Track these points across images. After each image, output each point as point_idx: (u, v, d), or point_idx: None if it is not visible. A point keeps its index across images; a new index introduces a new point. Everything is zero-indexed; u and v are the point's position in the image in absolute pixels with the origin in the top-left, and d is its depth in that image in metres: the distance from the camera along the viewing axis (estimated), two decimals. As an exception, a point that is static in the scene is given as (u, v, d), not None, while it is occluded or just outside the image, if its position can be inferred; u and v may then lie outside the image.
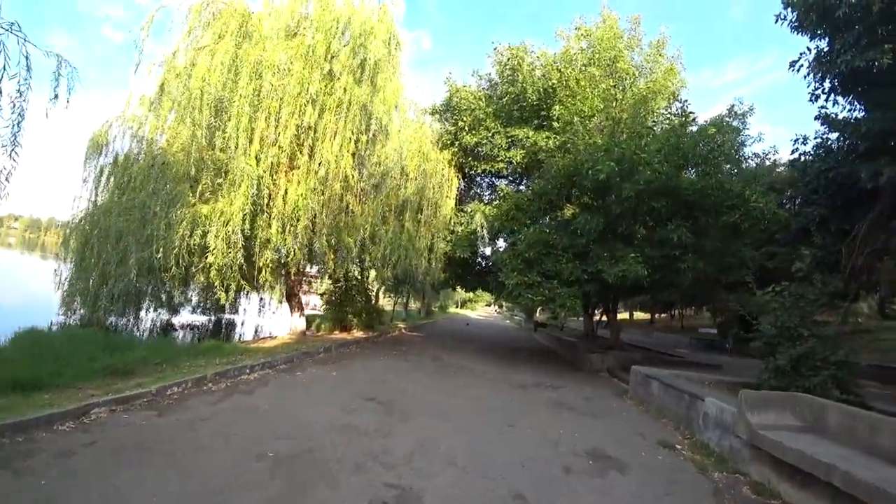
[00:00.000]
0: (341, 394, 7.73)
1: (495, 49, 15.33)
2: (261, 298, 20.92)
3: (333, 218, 11.66)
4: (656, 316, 45.60)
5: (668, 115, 10.55)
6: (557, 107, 12.77)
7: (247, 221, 9.54)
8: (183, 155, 10.27)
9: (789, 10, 10.81)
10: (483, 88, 15.85)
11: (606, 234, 11.54)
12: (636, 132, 11.01)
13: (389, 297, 28.91)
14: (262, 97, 10.02)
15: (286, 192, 10.42)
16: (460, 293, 71.58)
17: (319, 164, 10.74)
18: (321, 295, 19.53)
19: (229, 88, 9.81)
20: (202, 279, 10.05)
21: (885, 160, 10.92)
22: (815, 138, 13.42)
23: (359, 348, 14.00)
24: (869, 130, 10.92)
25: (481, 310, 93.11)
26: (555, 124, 12.95)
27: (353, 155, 11.55)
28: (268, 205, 10.36)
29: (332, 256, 11.98)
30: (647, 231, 11.81)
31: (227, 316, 21.22)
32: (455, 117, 14.68)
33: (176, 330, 18.94)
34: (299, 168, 10.65)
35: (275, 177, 10.47)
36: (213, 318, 20.59)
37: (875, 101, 11.09)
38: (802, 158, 13.72)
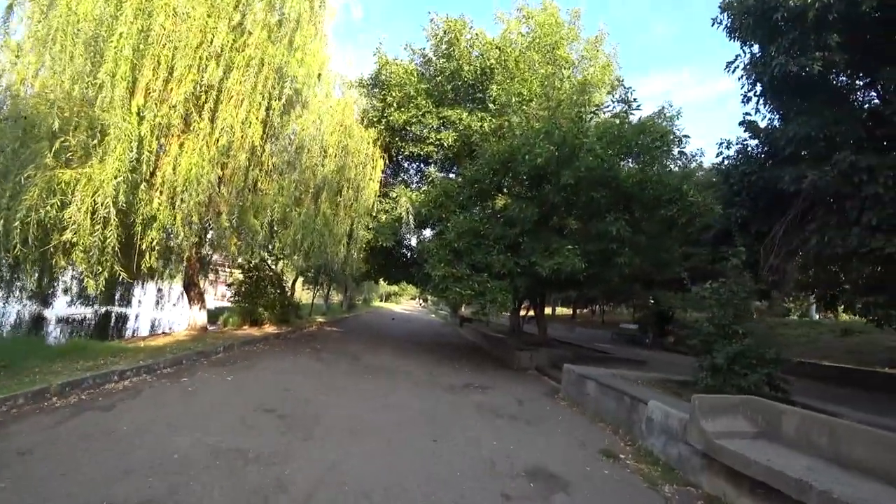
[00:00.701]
0: (234, 405, 6.33)
1: (431, 20, 14.17)
2: (159, 289, 18.58)
3: (237, 196, 10.06)
4: (577, 312, 46.71)
5: (610, 103, 9.99)
6: (494, 87, 11.87)
7: (122, 192, 7.76)
8: (46, 106, 8.29)
9: (725, 14, 10.96)
10: (416, 64, 14.63)
11: (541, 225, 10.84)
12: (577, 118, 10.31)
13: (308, 288, 27.07)
14: (150, 42, 8.27)
15: (177, 160, 8.72)
16: (385, 286, 70.21)
17: (221, 130, 9.13)
18: (229, 286, 17.56)
19: (107, 25, 8.00)
20: (63, 262, 8.13)
21: (806, 165, 11.18)
22: (737, 144, 13.85)
23: (267, 346, 12.43)
24: (795, 135, 11.02)
25: (406, 303, 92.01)
26: (490, 106, 12.06)
27: (264, 124, 10.00)
28: (153, 174, 8.62)
29: (236, 241, 10.36)
30: (582, 224, 11.24)
31: (117, 309, 18.65)
32: (383, 93, 13.38)
33: (48, 325, 16.35)
34: (196, 134, 8.97)
35: (164, 141, 8.77)
36: (99, 310, 17.99)
37: (801, 108, 11.31)
38: (726, 162, 14.08)
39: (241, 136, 9.49)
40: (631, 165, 10.78)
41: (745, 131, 12.95)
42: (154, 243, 8.78)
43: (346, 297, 37.76)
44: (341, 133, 10.87)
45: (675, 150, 9.78)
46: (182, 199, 8.64)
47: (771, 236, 12.91)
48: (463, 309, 49.50)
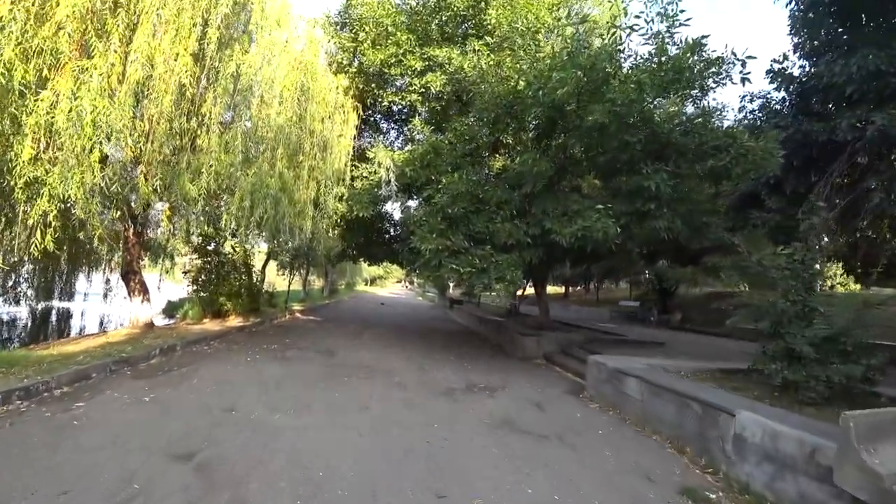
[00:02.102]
0: (129, 451, 4.12)
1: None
2: (107, 279, 16.09)
3: (170, 154, 7.76)
4: (569, 289, 44.96)
5: (644, 24, 7.70)
6: (492, 12, 9.53)
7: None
8: None
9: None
10: (393, -5, 12.02)
11: (556, 183, 8.70)
12: (609, 34, 7.98)
13: (282, 274, 24.70)
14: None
15: (71, 102, 6.36)
16: (369, 269, 67.87)
17: (135, 62, 6.80)
18: (185, 273, 15.20)
19: None
20: None
21: (866, 108, 9.40)
22: (760, 98, 12.12)
23: (223, 344, 10.21)
24: (860, 69, 9.12)
25: (392, 287, 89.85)
26: (488, 39, 9.77)
27: (196, 58, 7.65)
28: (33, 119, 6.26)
29: (168, 212, 8.07)
30: (605, 180, 9.13)
31: (60, 304, 16.11)
32: (355, 30, 10.93)
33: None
34: (97, 67, 6.59)
35: (46, 75, 6.38)
36: (37, 307, 15.44)
37: (867, 36, 9.45)
38: (749, 118, 12.39)
39: (166, 73, 7.16)
40: (670, 102, 8.61)
41: (770, 82, 11.16)
42: (48, 218, 6.47)
43: (327, 282, 35.39)
44: (302, 73, 8.50)
45: (738, 78, 7.65)
46: (78, 157, 6.31)
47: (812, 196, 11.14)
48: (451, 290, 47.62)
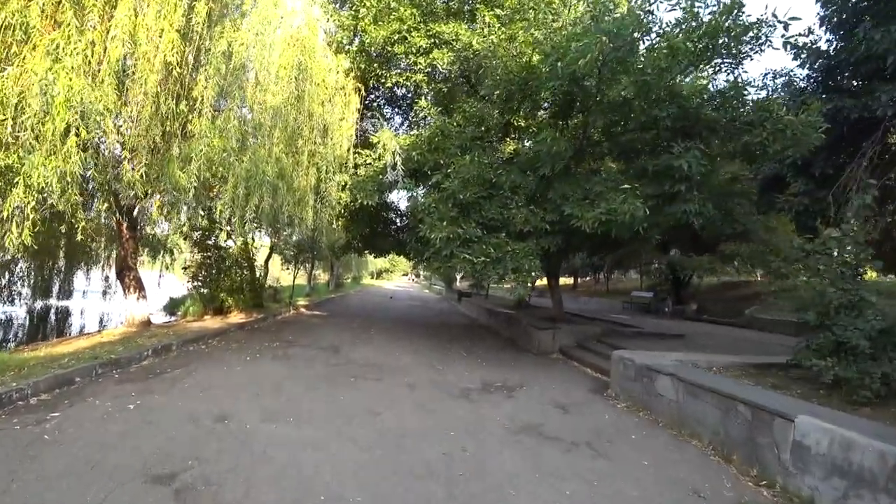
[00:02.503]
0: (99, 474, 3.56)
1: None
2: (106, 276, 15.60)
3: (159, 139, 7.17)
4: (578, 280, 44.23)
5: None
6: (505, -23, 8.81)
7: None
8: None
9: None
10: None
11: (574, 165, 8.05)
12: (629, 14, 7.24)
13: (287, 268, 24.17)
14: None
15: (44, 83, 5.78)
16: (375, 262, 67.37)
17: (115, 39, 6.21)
18: (184, 269, 14.67)
19: None
20: None
21: None
22: (782, 76, 11.44)
23: (222, 342, 9.66)
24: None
25: (398, 280, 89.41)
26: (499, 11, 9.08)
27: (183, 36, 7.05)
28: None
29: (158, 203, 7.51)
30: (625, 161, 8.46)
31: (58, 303, 15.65)
32: (355, 5, 10.23)
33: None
34: (71, 41, 6.00)
35: (16, 51, 5.80)
36: (34, 306, 14.98)
37: None
38: (773, 96, 11.70)
39: (151, 51, 6.57)
40: (695, 76, 7.91)
41: (794, 58, 10.43)
42: (25, 209, 5.93)
43: (333, 275, 34.86)
44: (298, 51, 7.86)
45: (780, 43, 6.96)
46: (52, 142, 5.74)
47: (844, 177, 10.43)
48: (458, 282, 47.03)
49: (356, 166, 10.58)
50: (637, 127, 7.67)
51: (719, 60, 7.39)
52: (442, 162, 8.68)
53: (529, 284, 7.47)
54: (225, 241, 13.48)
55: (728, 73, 7.71)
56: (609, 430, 5.65)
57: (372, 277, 75.45)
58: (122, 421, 4.70)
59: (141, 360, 7.36)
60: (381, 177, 9.33)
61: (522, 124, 10.96)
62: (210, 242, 14.15)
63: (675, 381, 6.11)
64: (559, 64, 6.98)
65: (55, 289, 14.98)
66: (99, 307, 16.85)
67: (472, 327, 16.49)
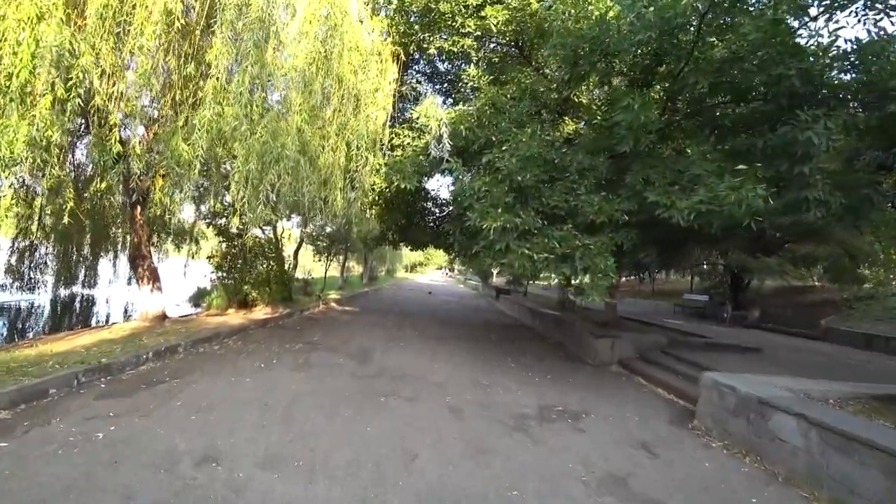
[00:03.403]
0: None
1: None
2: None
3: (168, 107, 6.06)
4: (620, 280, 41.97)
5: None
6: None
7: None
8: None
9: None
10: None
11: (660, 141, 6.52)
12: None
13: (318, 259, 23.24)
14: None
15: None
16: (409, 255, 66.49)
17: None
18: (208, 258, 13.78)
19: None
20: None
21: None
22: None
23: (238, 343, 8.57)
24: None
25: (432, 273, 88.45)
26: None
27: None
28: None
29: (161, 181, 6.41)
30: (722, 137, 6.85)
31: (84, 291, 14.99)
32: (395, -43, 8.90)
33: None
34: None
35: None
36: (57, 295, 14.33)
37: None
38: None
39: (148, -2, 5.43)
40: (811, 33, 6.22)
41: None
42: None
43: (367, 268, 33.91)
44: (328, 3, 6.59)
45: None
46: (23, 102, 4.65)
47: None
48: (495, 278, 45.51)
49: (392, 148, 9.31)
50: (750, 90, 6.08)
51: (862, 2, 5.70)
52: (494, 139, 7.29)
53: (605, 287, 5.95)
54: (240, 227, 12.40)
55: (868, 24, 6.00)
56: (717, 485, 4.20)
57: (406, 271, 74.74)
58: (79, 459, 3.54)
59: (138, 365, 6.28)
60: (421, 157, 7.99)
61: (584, 101, 9.44)
62: (234, 231, 13.20)
63: (804, 423, 4.59)
64: (650, 10, 5.48)
65: (80, 276, 14.31)
66: (125, 296, 16.24)
67: (515, 329, 15.05)
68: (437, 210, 13.12)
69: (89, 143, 5.54)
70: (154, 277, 9.72)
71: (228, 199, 6.75)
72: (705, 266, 27.79)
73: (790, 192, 5.88)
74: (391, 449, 4.31)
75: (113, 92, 5.21)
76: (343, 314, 14.74)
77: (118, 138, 5.15)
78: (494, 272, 46.01)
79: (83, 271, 14.32)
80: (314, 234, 20.43)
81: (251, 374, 6.34)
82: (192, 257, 15.20)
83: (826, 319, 16.88)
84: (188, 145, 5.85)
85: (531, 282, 32.05)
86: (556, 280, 11.26)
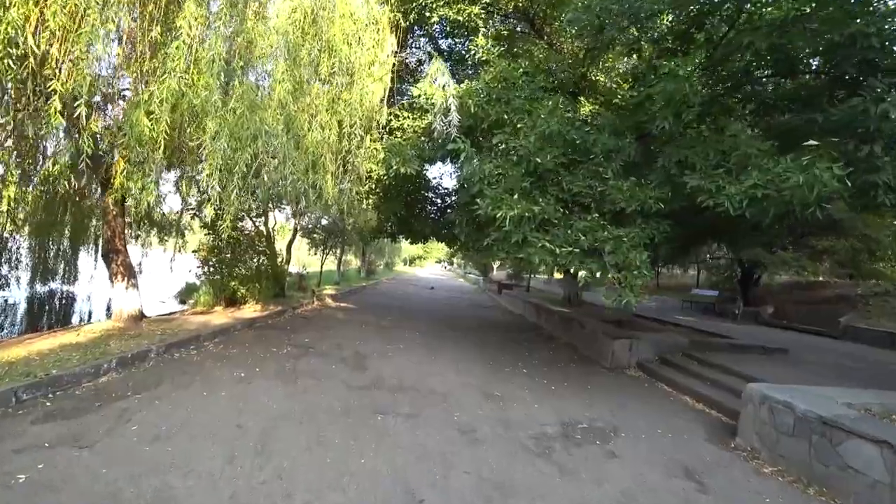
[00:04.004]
0: None
1: None
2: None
3: (132, 77, 5.17)
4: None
5: None
6: None
7: None
8: None
9: None
10: None
11: (700, 117, 5.65)
12: None
13: (314, 253, 22.35)
14: None
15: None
16: (408, 249, 65.62)
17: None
18: (194, 252, 12.89)
19: None
20: None
21: None
22: None
23: (218, 346, 7.71)
24: None
25: (431, 267, 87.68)
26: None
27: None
28: None
29: (122, 164, 5.53)
30: (770, 113, 5.98)
31: (64, 288, 14.09)
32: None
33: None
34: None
35: None
36: (32, 292, 13.40)
37: None
38: None
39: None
40: None
41: None
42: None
43: (364, 262, 33.02)
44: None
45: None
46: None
47: None
48: (495, 272, 44.67)
49: (390, 131, 8.43)
50: (788, 67, 5.20)
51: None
52: (506, 117, 6.41)
53: (640, 286, 5.10)
54: (212, 216, 11.53)
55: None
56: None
57: (405, 264, 73.93)
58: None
59: (97, 377, 5.42)
60: (423, 139, 7.11)
61: (601, 79, 8.56)
62: (212, 222, 12.26)
63: (891, 453, 3.79)
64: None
65: (59, 272, 13.41)
66: (108, 293, 15.36)
67: (522, 328, 14.22)
68: (439, 200, 12.24)
69: (22, 115, 4.61)
70: (129, 274, 8.84)
71: (203, 183, 5.83)
72: (710, 259, 27.01)
73: (855, 174, 5.02)
74: (390, 488, 3.46)
75: (53, 53, 4.32)
76: (338, 311, 13.87)
77: (57, 108, 4.24)
78: (495, 266, 45.16)
79: (62, 266, 13.45)
80: (309, 226, 19.54)
81: (227, 387, 5.48)
82: (180, 251, 14.30)
83: (845, 317, 16.14)
84: (151, 120, 4.96)
85: (532, 276, 31.26)
86: (561, 275, 10.43)
